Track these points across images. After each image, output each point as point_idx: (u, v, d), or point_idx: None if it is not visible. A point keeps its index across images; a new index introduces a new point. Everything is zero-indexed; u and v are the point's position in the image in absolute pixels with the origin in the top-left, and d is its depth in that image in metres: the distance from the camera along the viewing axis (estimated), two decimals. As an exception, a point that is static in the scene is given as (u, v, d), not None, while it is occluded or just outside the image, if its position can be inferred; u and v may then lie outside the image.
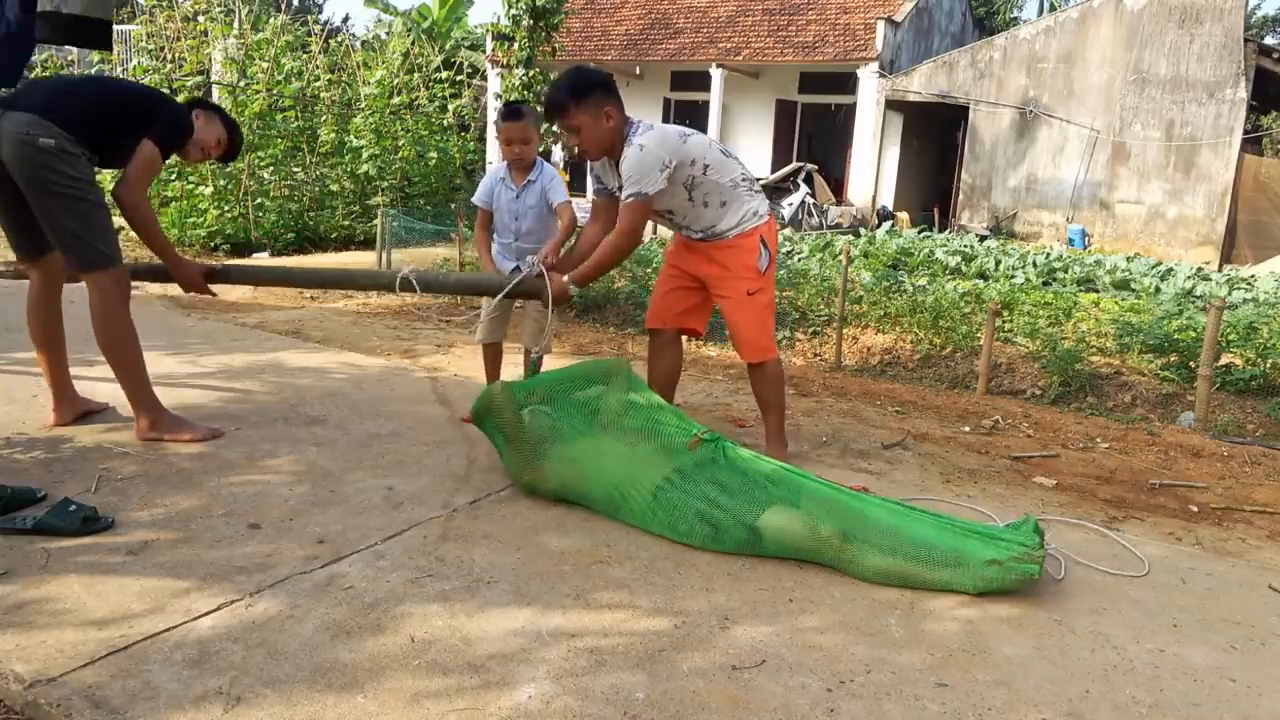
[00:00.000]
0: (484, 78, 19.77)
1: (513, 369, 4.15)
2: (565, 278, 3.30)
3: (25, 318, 3.46)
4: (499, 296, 3.49)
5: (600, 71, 3.23)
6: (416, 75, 12.50)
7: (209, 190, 9.40)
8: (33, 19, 2.60)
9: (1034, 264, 10.38)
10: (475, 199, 3.85)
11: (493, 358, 3.99)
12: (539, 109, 4.20)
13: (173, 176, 9.62)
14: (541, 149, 16.55)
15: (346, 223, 10.55)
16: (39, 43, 2.74)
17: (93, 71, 12.05)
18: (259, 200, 9.79)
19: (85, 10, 2.71)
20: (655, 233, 12.57)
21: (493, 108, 16.61)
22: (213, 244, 9.62)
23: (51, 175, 3.01)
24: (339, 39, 13.20)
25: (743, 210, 3.38)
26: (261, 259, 9.38)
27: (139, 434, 3.38)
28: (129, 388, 3.35)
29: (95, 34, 2.83)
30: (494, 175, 3.81)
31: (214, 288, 3.55)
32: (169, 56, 10.74)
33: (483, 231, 3.85)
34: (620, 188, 3.26)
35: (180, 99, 3.88)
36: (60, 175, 3.02)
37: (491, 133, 18.55)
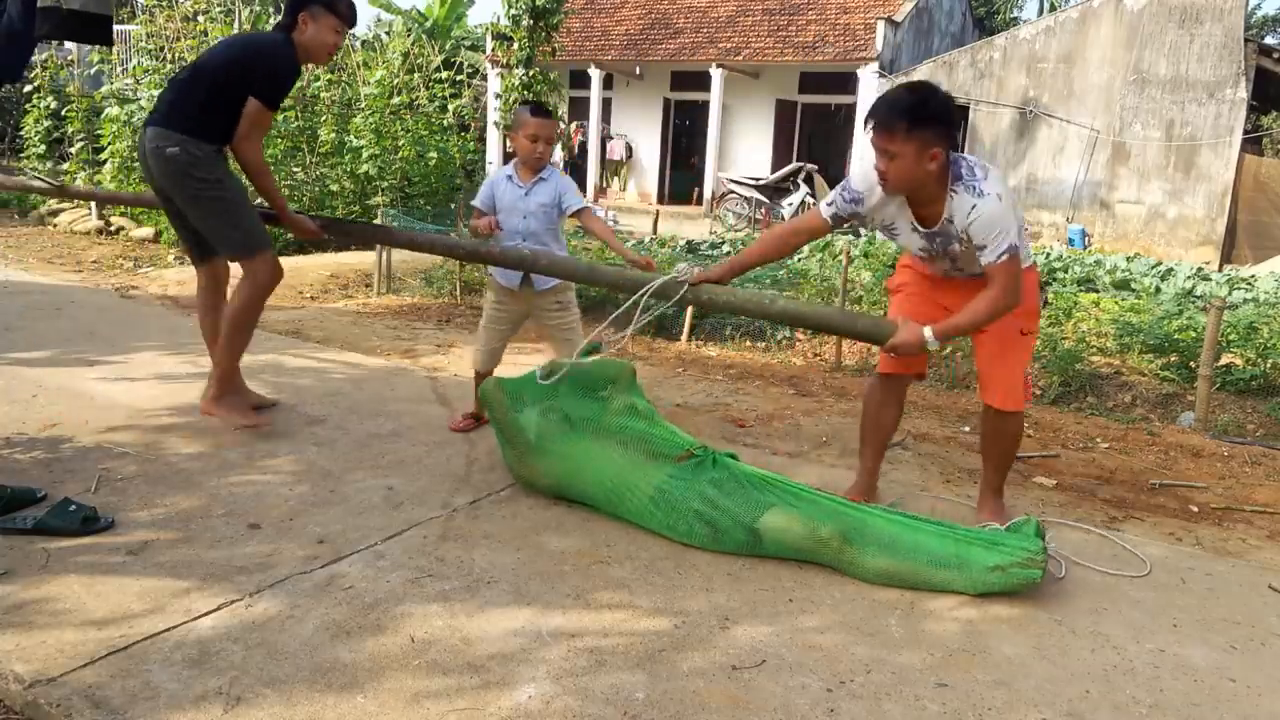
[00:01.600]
0: (484, 78, 19.76)
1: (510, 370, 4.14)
2: (928, 330, 2.69)
3: (197, 315, 3.74)
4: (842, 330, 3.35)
5: (948, 99, 2.70)
6: (416, 75, 12.49)
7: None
8: (33, 15, 2.59)
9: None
10: (476, 202, 3.78)
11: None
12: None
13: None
14: (541, 149, 16.42)
15: (346, 223, 10.54)
16: (39, 39, 2.72)
17: (92, 72, 12.05)
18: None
19: (85, 6, 2.69)
20: (655, 232, 12.56)
21: (493, 107, 16.59)
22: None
23: (187, 181, 3.25)
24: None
25: (1023, 252, 2.80)
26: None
27: (203, 406, 3.51)
28: (222, 361, 3.51)
29: (95, 30, 2.82)
30: (496, 177, 3.73)
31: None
32: (169, 56, 10.74)
33: (478, 219, 3.78)
34: (942, 238, 2.75)
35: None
36: (194, 180, 3.25)
37: (492, 133, 18.54)
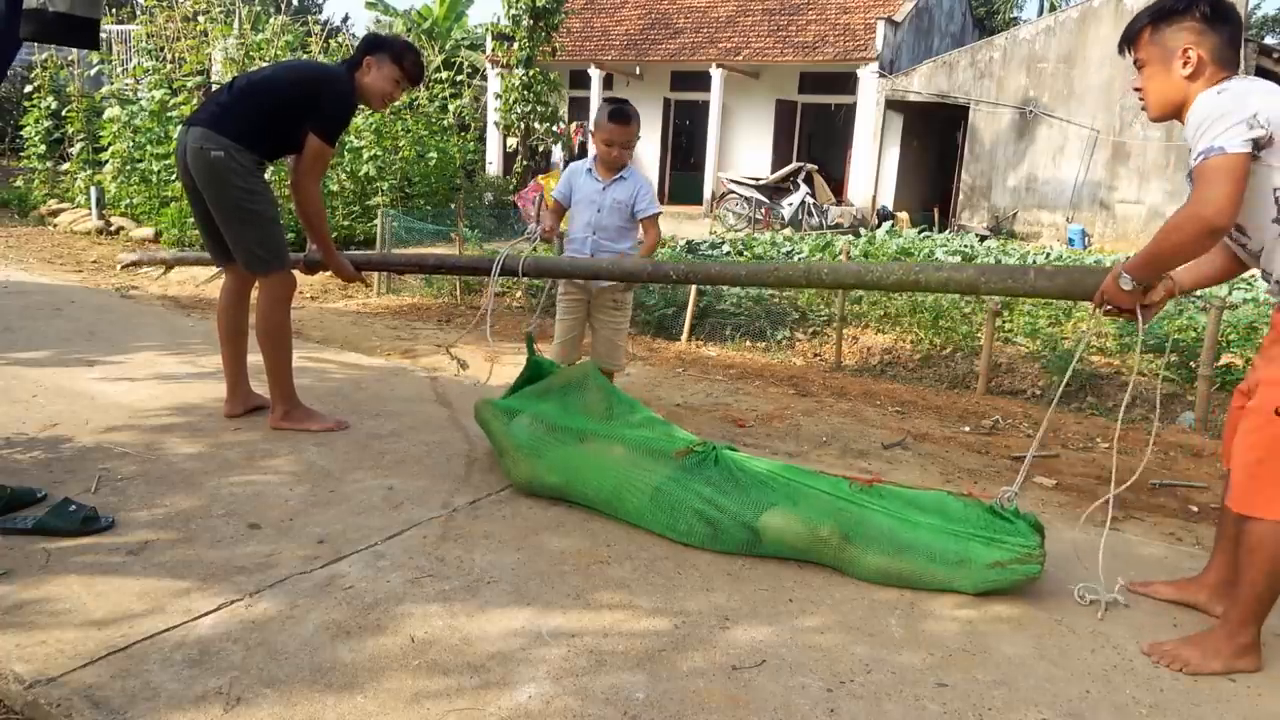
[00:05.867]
0: (484, 78, 19.76)
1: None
2: (1118, 267, 2.25)
3: (216, 312, 3.75)
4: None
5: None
6: (416, 75, 12.49)
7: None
8: (18, 17, 2.57)
9: (1034, 264, 10.37)
10: (554, 193, 3.82)
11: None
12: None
13: (172, 177, 9.62)
14: (541, 149, 16.52)
15: (346, 223, 10.54)
16: (24, 40, 2.71)
17: (92, 72, 12.05)
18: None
19: (71, 8, 2.68)
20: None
21: (493, 107, 16.60)
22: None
23: (224, 186, 3.30)
24: (339, 39, 13.20)
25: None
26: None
27: (272, 422, 3.60)
28: (272, 377, 3.59)
29: (82, 33, 2.81)
30: (575, 169, 3.76)
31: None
32: (169, 56, 10.74)
33: (552, 211, 3.78)
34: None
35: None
36: (230, 186, 3.30)
37: (492, 133, 18.54)
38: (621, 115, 3.58)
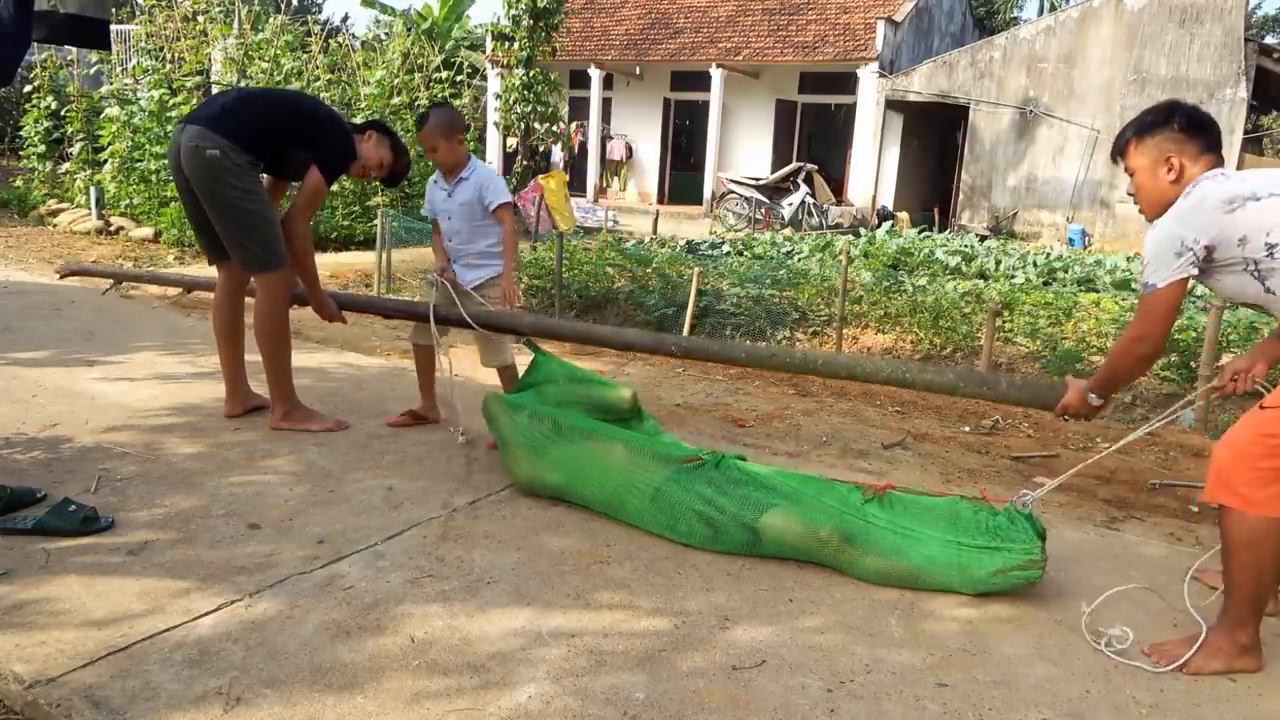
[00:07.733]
0: (484, 78, 19.75)
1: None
2: (1085, 384, 2.55)
3: (211, 311, 3.75)
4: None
5: (1194, 109, 2.38)
6: (416, 75, 12.49)
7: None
8: (29, 18, 2.59)
9: (1034, 264, 10.35)
10: (424, 210, 3.76)
11: (422, 360, 3.80)
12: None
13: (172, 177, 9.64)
14: (541, 149, 16.50)
15: (346, 223, 10.54)
16: (36, 42, 2.73)
17: (91, 72, 12.05)
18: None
19: (81, 9, 2.70)
20: (655, 232, 12.54)
21: (493, 108, 16.60)
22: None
23: (219, 184, 3.29)
24: (339, 39, 13.20)
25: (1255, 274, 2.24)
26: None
27: (272, 423, 3.60)
28: (272, 377, 3.58)
29: (92, 33, 2.82)
30: (430, 182, 3.72)
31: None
32: (169, 56, 10.74)
33: (437, 237, 3.75)
34: None
35: (359, 119, 4.07)
36: (225, 184, 3.29)
37: (491, 133, 18.56)
38: (420, 120, 3.57)
